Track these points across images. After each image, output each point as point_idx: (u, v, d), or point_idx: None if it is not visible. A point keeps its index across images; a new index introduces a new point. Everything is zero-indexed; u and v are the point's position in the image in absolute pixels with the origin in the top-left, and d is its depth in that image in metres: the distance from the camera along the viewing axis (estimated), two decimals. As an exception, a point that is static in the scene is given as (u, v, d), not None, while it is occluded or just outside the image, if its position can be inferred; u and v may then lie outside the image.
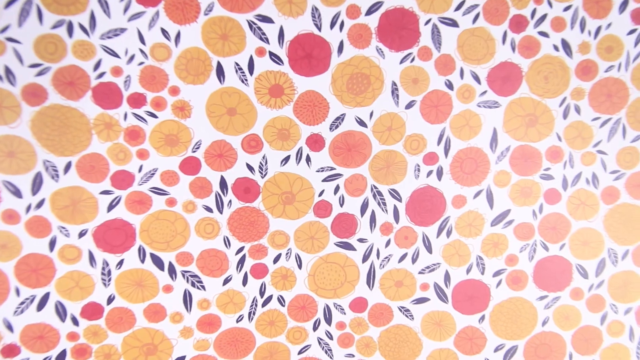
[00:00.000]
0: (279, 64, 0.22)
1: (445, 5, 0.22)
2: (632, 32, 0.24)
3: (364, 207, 0.24)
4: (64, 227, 0.21)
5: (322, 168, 0.23)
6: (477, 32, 0.23)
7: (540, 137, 0.24)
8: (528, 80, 0.24)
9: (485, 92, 0.23)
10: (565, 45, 0.23)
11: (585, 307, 0.26)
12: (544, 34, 0.23)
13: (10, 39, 0.20)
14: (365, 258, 0.24)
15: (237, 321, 0.24)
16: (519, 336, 0.26)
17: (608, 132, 0.24)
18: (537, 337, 0.26)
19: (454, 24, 0.22)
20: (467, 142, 0.24)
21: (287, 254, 0.24)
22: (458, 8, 0.22)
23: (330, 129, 0.23)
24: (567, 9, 0.23)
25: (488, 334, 0.25)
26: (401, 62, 0.22)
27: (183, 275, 0.23)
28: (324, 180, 0.23)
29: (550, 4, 0.23)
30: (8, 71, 0.20)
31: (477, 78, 0.23)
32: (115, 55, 0.20)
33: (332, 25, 0.22)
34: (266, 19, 0.21)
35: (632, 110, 0.24)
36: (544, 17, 0.23)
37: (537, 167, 0.24)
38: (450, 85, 0.23)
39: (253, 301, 0.24)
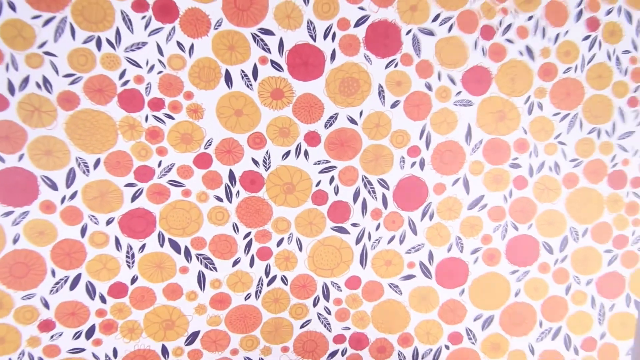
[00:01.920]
0: (280, 71, 0.26)
1: (424, 17, 0.27)
2: (586, 38, 0.28)
3: (356, 195, 0.28)
4: (93, 216, 0.25)
5: (318, 161, 0.27)
6: (452, 40, 0.27)
7: (508, 131, 0.28)
8: (497, 81, 0.28)
9: (460, 92, 0.28)
10: (529, 51, 0.28)
11: (552, 279, 0.30)
12: (510, 40, 0.28)
13: (47, 53, 0.23)
14: (358, 240, 0.28)
15: (246, 299, 0.28)
16: (494, 306, 0.30)
17: (567, 126, 0.29)
18: (511, 307, 0.30)
19: (431, 33, 0.27)
20: (445, 136, 0.28)
21: (289, 238, 0.28)
22: (435, 19, 0.27)
23: (325, 126, 0.27)
24: (530, 18, 0.28)
25: (468, 306, 0.30)
26: (386, 67, 0.27)
27: (197, 258, 0.27)
28: (321, 172, 0.27)
29: (515, 15, 0.27)
30: (45, 80, 0.23)
31: (453, 80, 0.27)
32: (138, 65, 0.24)
33: (325, 36, 0.26)
34: (268, 32, 0.25)
35: (587, 106, 0.29)
36: (509, 26, 0.27)
37: (507, 157, 0.29)
38: (429, 87, 0.27)
39: (259, 281, 0.28)
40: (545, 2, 0.28)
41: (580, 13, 0.28)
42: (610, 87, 0.29)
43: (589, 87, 0.29)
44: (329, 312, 0.29)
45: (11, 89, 0.23)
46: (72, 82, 0.24)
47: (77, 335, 0.26)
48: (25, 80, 0.23)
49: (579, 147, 0.29)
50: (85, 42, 0.24)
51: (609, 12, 0.28)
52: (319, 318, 0.29)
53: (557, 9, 0.28)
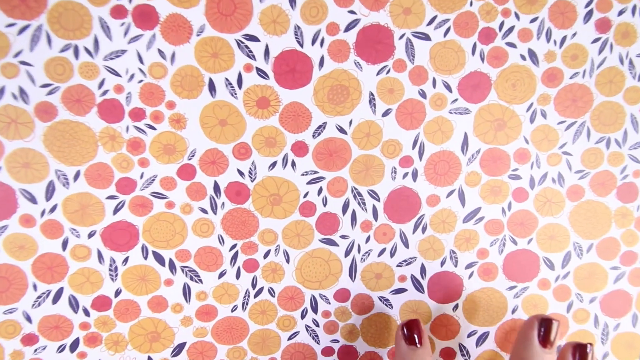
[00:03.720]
0: (265, 79, 0.23)
1: (418, 20, 0.24)
2: (596, 40, 0.25)
3: (345, 207, 0.25)
4: (74, 229, 0.23)
5: (306, 172, 0.25)
6: (448, 45, 0.24)
7: (508, 140, 0.26)
8: (497, 88, 0.25)
9: (456, 99, 0.25)
10: (532, 55, 0.25)
11: (552, 296, 0.27)
12: (511, 44, 0.25)
13: (23, 62, 0.22)
14: (347, 253, 0.26)
15: (232, 311, 0.26)
16: (490, 323, 0.27)
17: (573, 135, 0.26)
18: (507, 324, 0.27)
19: (426, 37, 0.24)
20: (440, 146, 0.25)
21: (276, 250, 0.26)
22: (430, 23, 0.24)
23: (313, 136, 0.24)
24: (533, 20, 0.24)
25: (462, 321, 0.27)
26: (377, 73, 0.24)
27: (182, 270, 0.25)
28: (308, 182, 0.25)
29: (517, 17, 0.24)
30: (22, 91, 0.22)
31: (448, 87, 0.25)
32: (117, 74, 0.22)
33: (314, 41, 0.23)
34: (253, 38, 0.23)
35: (595, 113, 0.26)
36: (511, 29, 0.24)
37: (506, 168, 0.26)
38: (423, 94, 0.25)
39: (246, 293, 0.26)
40: (551, 3, 0.24)
41: (589, 14, 0.25)
42: (622, 93, 0.26)
43: (598, 93, 0.25)
44: (317, 325, 0.27)
45: (-14, 100, 0.22)
46: (50, 93, 0.22)
47: (61, 349, 0.25)
48: (1, 91, 0.22)
49: (586, 157, 0.26)
50: (62, 50, 0.22)
51: (621, 12, 0.25)
52: (307, 330, 0.27)
53: (564, 9, 0.25)
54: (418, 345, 0.23)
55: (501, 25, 0.24)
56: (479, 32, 0.24)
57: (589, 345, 0.22)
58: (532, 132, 0.26)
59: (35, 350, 0.24)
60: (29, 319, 0.24)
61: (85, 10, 0.22)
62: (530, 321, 0.22)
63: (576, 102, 0.26)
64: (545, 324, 0.21)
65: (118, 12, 0.22)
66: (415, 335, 0.23)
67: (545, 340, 0.21)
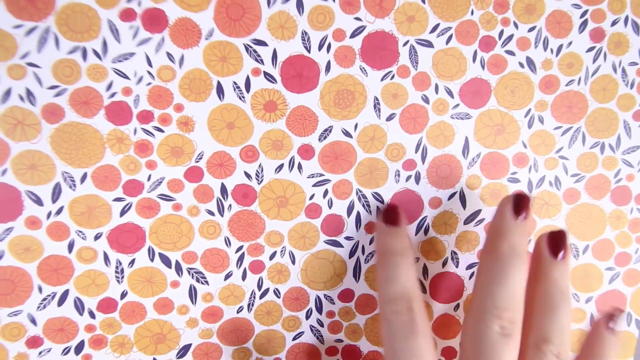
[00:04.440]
0: (273, 83, 0.23)
1: (422, 28, 0.23)
2: (590, 49, 0.25)
3: (350, 209, 0.25)
4: (81, 231, 0.22)
5: (312, 174, 0.24)
6: (450, 52, 0.24)
7: (507, 145, 0.25)
8: (496, 94, 0.24)
9: (457, 105, 0.24)
10: (530, 62, 0.24)
11: (549, 296, 0.27)
12: (510, 52, 0.24)
13: (30, 64, 0.20)
14: (351, 254, 0.25)
15: (238, 312, 0.25)
16: (490, 323, 0.27)
17: (569, 140, 0.25)
18: (507, 324, 0.27)
19: (429, 44, 0.23)
20: (442, 149, 0.25)
21: (281, 251, 0.25)
22: (433, 30, 0.23)
23: (319, 139, 0.24)
24: (531, 29, 0.24)
25: (463, 321, 0.27)
26: (382, 79, 0.23)
27: (188, 272, 0.24)
28: (314, 185, 0.24)
29: (516, 26, 0.24)
30: (29, 93, 0.21)
31: (450, 93, 0.24)
32: (125, 77, 0.21)
33: (320, 47, 0.23)
34: (261, 43, 0.22)
35: (590, 119, 0.25)
36: (510, 38, 0.24)
37: (505, 171, 0.25)
38: (426, 100, 0.24)
39: (252, 294, 0.25)
40: (548, 13, 0.24)
41: (584, 24, 0.24)
42: (615, 100, 0.25)
43: (592, 100, 0.25)
44: (321, 325, 0.26)
45: (-8, 101, 0.20)
46: (57, 94, 0.21)
47: (66, 351, 0.23)
48: (7, 93, 0.20)
49: (581, 161, 0.26)
50: (70, 52, 0.21)
51: (614, 22, 0.25)
52: (311, 330, 0.26)
53: (560, 19, 0.24)
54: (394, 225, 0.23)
55: (501, 33, 0.24)
56: (480, 40, 0.24)
57: (564, 232, 0.21)
58: (530, 137, 0.25)
59: (40, 353, 0.23)
60: (33, 321, 0.23)
61: (94, 13, 0.21)
62: (506, 198, 0.22)
63: (572, 108, 0.25)
64: (517, 198, 0.21)
65: (127, 15, 0.21)
66: (393, 216, 0.23)
67: (516, 212, 0.20)
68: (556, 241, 0.20)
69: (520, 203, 0.20)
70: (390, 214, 0.23)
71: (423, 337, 0.18)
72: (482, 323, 0.17)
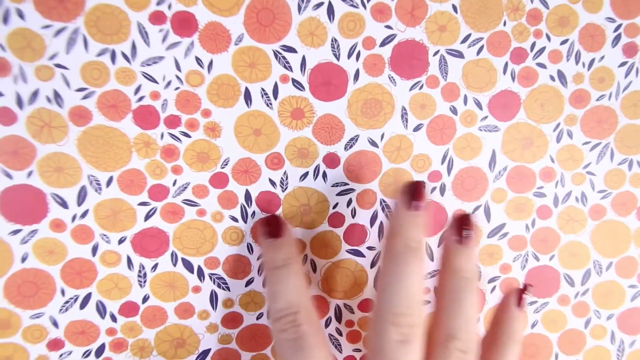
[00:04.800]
0: (301, 90, 0.22)
1: (453, 38, 0.22)
2: (623, 64, 0.24)
3: (373, 219, 0.24)
4: (105, 235, 0.22)
5: (336, 183, 0.23)
6: (481, 63, 0.23)
7: (534, 159, 0.24)
8: (525, 107, 0.24)
9: (486, 117, 0.23)
10: (561, 76, 0.23)
11: (571, 312, 0.26)
12: (541, 65, 0.23)
13: (58, 65, 0.20)
14: (373, 264, 0.25)
15: (257, 318, 0.24)
16: (510, 337, 0.26)
17: (597, 155, 0.25)
18: (527, 338, 0.26)
19: (460, 55, 0.22)
20: (468, 162, 0.24)
21: (303, 259, 0.24)
22: (464, 41, 0.22)
23: (345, 148, 0.23)
24: (564, 42, 0.23)
25: (482, 334, 0.26)
26: (411, 89, 0.23)
27: (210, 278, 0.23)
28: (338, 194, 0.23)
29: (548, 38, 0.23)
30: (57, 94, 0.20)
31: (479, 104, 0.23)
32: (154, 81, 0.21)
33: (350, 55, 0.22)
34: (290, 49, 0.21)
35: (620, 136, 0.24)
36: (542, 50, 0.23)
37: (531, 185, 0.24)
38: (454, 111, 0.23)
39: (272, 301, 0.24)
40: (581, 26, 0.23)
41: (617, 38, 0.23)
42: (646, 116, 0.24)
43: (622, 116, 0.24)
44: (340, 334, 0.25)
45: (20, 102, 0.20)
46: (85, 97, 0.20)
47: (86, 354, 0.23)
48: (35, 94, 0.20)
49: (609, 178, 0.25)
50: (99, 54, 0.20)
51: (648, 37, 0.24)
52: (330, 339, 0.25)
53: (594, 32, 0.23)
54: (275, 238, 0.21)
55: (533, 45, 0.23)
56: (511, 52, 0.23)
57: (468, 214, 0.19)
58: (558, 151, 0.24)
59: (61, 356, 0.22)
60: (55, 324, 0.22)
61: (124, 15, 0.20)
62: (399, 186, 0.20)
63: (601, 123, 0.24)
64: (408, 186, 0.19)
65: (157, 18, 0.20)
66: (273, 228, 0.21)
67: (408, 201, 0.18)
68: (459, 223, 0.19)
69: (412, 191, 0.18)
70: (269, 226, 0.21)
71: (313, 352, 0.17)
72: (380, 334, 0.16)
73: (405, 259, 0.17)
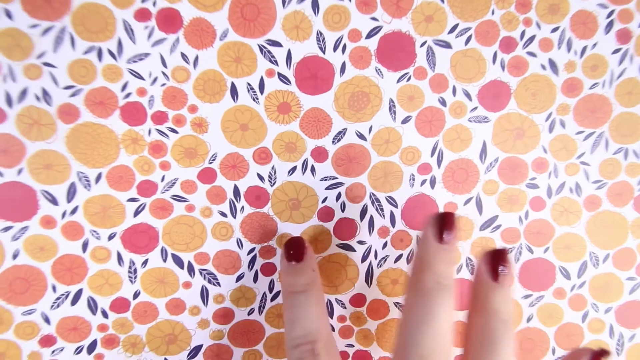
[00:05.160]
0: (287, 84, 0.22)
1: (440, 28, 0.22)
2: (616, 51, 0.23)
3: (363, 213, 0.24)
4: (95, 231, 0.22)
5: (325, 177, 0.23)
6: (469, 53, 0.22)
7: (526, 150, 0.24)
8: (516, 97, 0.23)
9: (475, 108, 0.23)
10: (552, 64, 0.23)
11: (568, 305, 0.25)
12: (532, 54, 0.23)
13: (46, 64, 0.20)
14: (364, 258, 0.24)
15: (249, 314, 0.24)
16: (505, 331, 0.25)
17: (591, 145, 0.24)
18: (522, 332, 0.26)
19: (447, 45, 0.22)
20: (459, 154, 0.24)
21: (293, 254, 0.24)
22: (452, 31, 0.22)
23: (333, 142, 0.23)
24: (554, 30, 0.23)
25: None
26: (398, 81, 0.22)
27: (200, 273, 0.23)
28: (327, 188, 0.23)
29: (538, 26, 0.23)
30: (45, 92, 0.20)
31: (468, 95, 0.23)
32: (140, 77, 0.21)
33: (335, 48, 0.22)
34: (275, 43, 0.21)
35: (614, 124, 0.24)
36: (532, 38, 0.23)
37: (524, 177, 0.24)
38: (443, 102, 0.23)
39: (263, 296, 0.24)
40: (572, 13, 0.23)
41: (610, 24, 0.23)
42: (641, 104, 0.24)
43: (617, 104, 0.24)
44: (332, 329, 0.25)
45: (9, 101, 0.20)
46: (73, 95, 0.20)
47: (78, 350, 0.23)
48: (24, 92, 0.20)
49: (603, 167, 0.24)
50: (85, 52, 0.20)
51: (642, 23, 0.23)
52: (323, 334, 0.25)
53: (585, 19, 0.23)
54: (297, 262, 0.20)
55: (522, 34, 0.23)
56: (500, 41, 0.23)
57: (505, 251, 0.17)
58: (550, 141, 0.24)
59: (53, 352, 0.23)
60: (47, 320, 0.22)
61: (109, 13, 0.20)
62: (428, 218, 0.18)
63: (595, 112, 0.24)
64: (440, 218, 0.18)
65: (142, 15, 0.20)
66: (294, 252, 0.20)
67: (440, 234, 0.17)
68: (496, 261, 0.17)
69: (443, 224, 0.17)
70: (291, 250, 0.21)
71: None
72: None
73: (435, 298, 0.16)
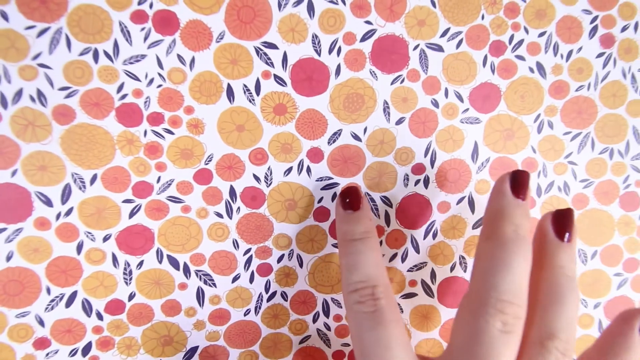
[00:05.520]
0: (283, 86, 0.22)
1: (432, 32, 0.23)
2: (600, 55, 0.24)
3: (358, 213, 0.24)
4: (90, 233, 0.22)
5: (321, 178, 0.23)
6: (460, 56, 0.23)
7: (516, 150, 0.24)
8: (506, 99, 0.24)
9: (467, 109, 0.24)
10: (540, 68, 0.24)
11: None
12: (520, 57, 0.24)
13: (41, 65, 0.20)
14: (360, 258, 0.25)
15: (245, 314, 0.24)
16: (497, 328, 0.26)
17: (578, 145, 0.25)
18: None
19: (439, 49, 0.23)
20: (451, 154, 0.24)
21: (289, 254, 0.24)
22: (443, 35, 0.23)
23: (329, 143, 0.23)
24: (541, 34, 0.24)
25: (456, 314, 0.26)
26: (392, 83, 0.23)
27: (196, 274, 0.23)
28: (323, 188, 0.24)
29: (526, 31, 0.23)
30: (40, 94, 0.20)
31: (460, 97, 0.24)
32: (136, 79, 0.21)
33: (331, 50, 0.22)
34: (271, 46, 0.22)
35: (599, 125, 0.25)
36: (521, 42, 0.23)
37: (514, 176, 0.25)
38: (436, 104, 0.23)
39: (259, 297, 0.24)
40: (558, 18, 0.24)
41: (594, 29, 0.24)
42: (625, 106, 0.25)
43: (602, 106, 0.25)
44: (328, 329, 0.26)
45: (4, 102, 0.20)
46: (68, 96, 0.20)
47: (73, 353, 0.23)
48: (19, 93, 0.20)
49: (590, 167, 0.25)
50: (81, 54, 0.20)
51: (624, 28, 0.24)
52: (318, 334, 0.26)
53: (571, 25, 0.24)
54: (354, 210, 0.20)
55: (511, 38, 0.24)
56: (490, 45, 0.23)
57: (571, 211, 0.18)
58: (539, 142, 0.25)
59: (47, 355, 0.22)
60: (41, 322, 0.22)
61: (106, 15, 0.20)
62: (503, 176, 0.19)
63: (581, 114, 0.25)
64: (517, 175, 0.19)
65: (138, 17, 0.21)
66: (350, 200, 0.21)
67: (516, 190, 0.18)
68: (563, 220, 0.18)
69: (520, 180, 0.18)
70: (348, 199, 0.21)
71: (390, 326, 0.16)
72: (481, 318, 0.15)
73: (513, 247, 0.16)
